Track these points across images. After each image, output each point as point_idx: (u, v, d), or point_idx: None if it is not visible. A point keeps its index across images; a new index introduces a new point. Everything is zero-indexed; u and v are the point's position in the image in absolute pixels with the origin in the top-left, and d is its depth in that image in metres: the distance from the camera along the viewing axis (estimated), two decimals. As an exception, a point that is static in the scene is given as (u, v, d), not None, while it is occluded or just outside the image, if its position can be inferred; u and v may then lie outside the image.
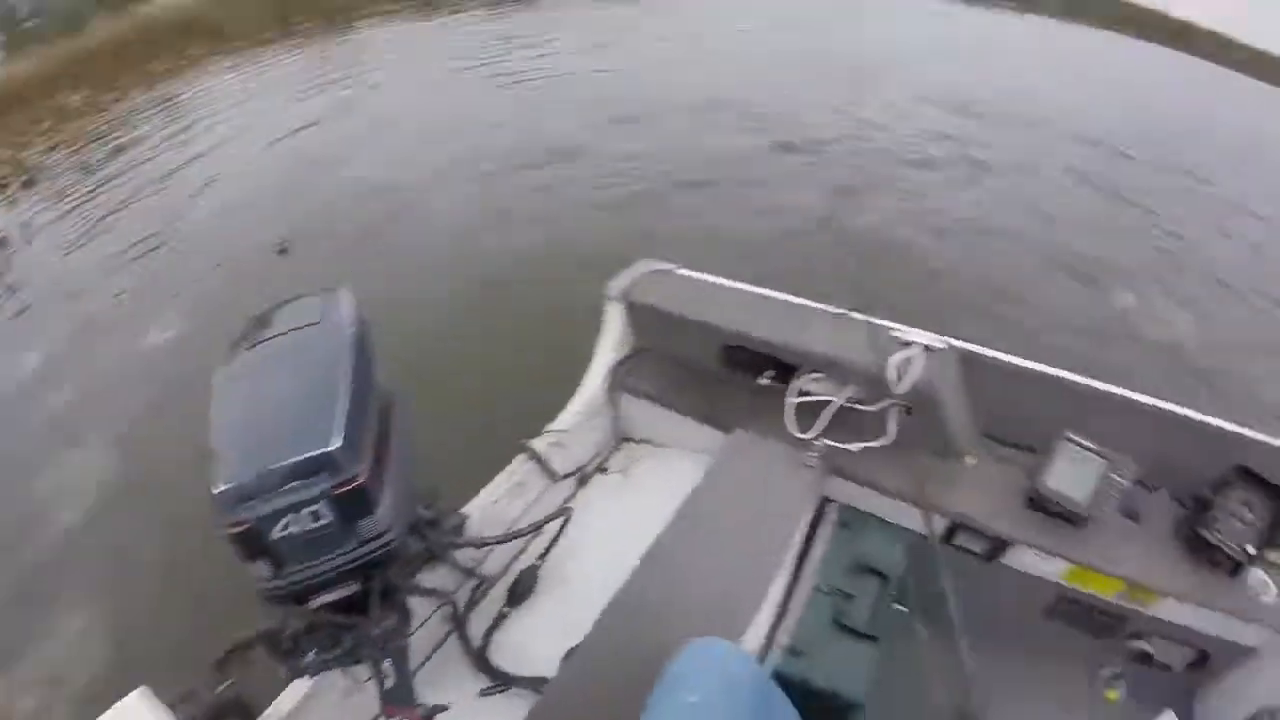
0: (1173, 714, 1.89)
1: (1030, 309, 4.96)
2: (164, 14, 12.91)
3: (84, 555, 3.41)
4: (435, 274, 5.22)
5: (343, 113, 8.41)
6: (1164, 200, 6.84)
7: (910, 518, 1.76)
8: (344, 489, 1.15)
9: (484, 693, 1.59)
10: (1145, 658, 1.96)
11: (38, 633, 3.06)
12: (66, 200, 7.10)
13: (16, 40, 12.69)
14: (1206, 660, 1.94)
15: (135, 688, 1.07)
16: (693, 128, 7.46)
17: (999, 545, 1.75)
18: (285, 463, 1.13)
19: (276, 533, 1.15)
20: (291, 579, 1.20)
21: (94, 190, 7.21)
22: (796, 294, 1.91)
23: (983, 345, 1.88)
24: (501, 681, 1.60)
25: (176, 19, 12.65)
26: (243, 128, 8.27)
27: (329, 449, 1.14)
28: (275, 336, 1.31)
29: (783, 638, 1.57)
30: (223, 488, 1.13)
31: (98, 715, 0.94)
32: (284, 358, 1.28)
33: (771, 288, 1.96)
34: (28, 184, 7.68)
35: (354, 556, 1.21)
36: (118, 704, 0.90)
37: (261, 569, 1.19)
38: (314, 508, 1.15)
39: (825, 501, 1.83)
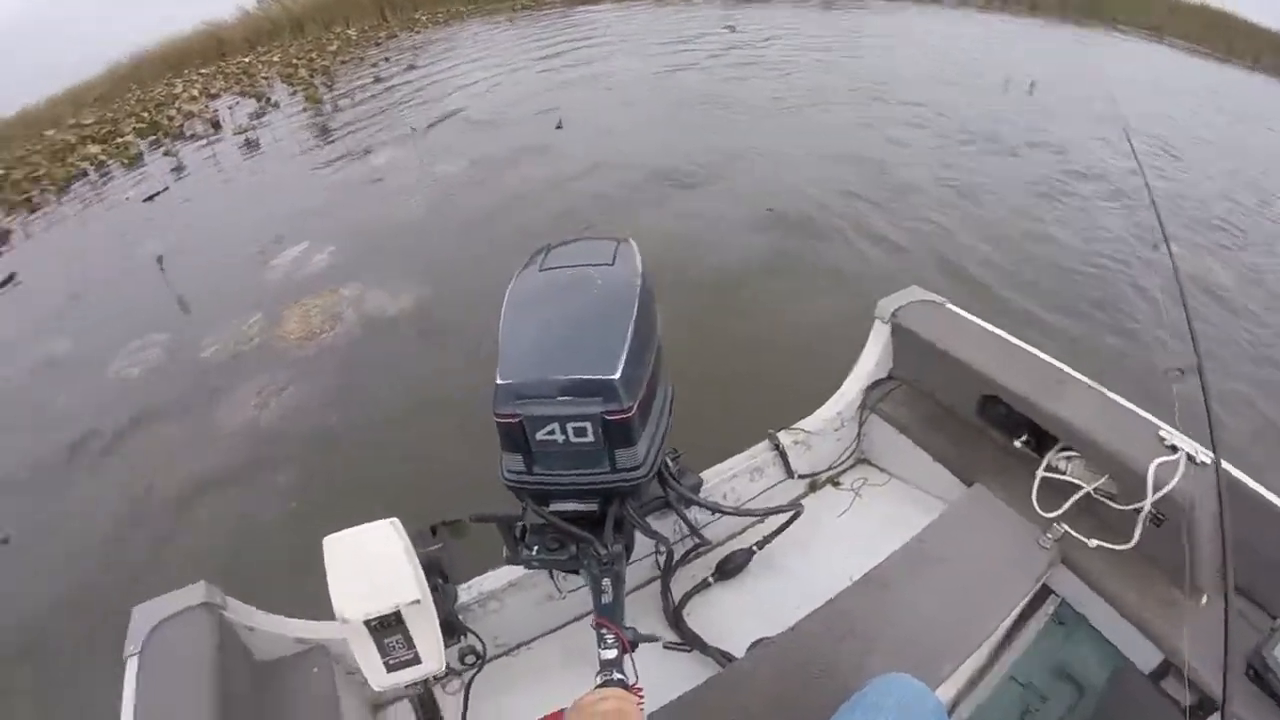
0: None
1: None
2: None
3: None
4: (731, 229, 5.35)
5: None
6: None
7: (1124, 638, 1.60)
8: (614, 417, 1.22)
9: (667, 646, 1.64)
10: None
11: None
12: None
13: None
14: None
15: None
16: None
17: (1205, 706, 1.52)
18: (568, 377, 1.23)
19: (541, 435, 1.26)
20: (540, 479, 1.31)
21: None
22: (1055, 352, 1.78)
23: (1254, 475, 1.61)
24: (687, 642, 1.64)
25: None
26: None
27: (611, 377, 1.22)
28: (570, 266, 1.43)
29: (964, 710, 1.52)
30: (505, 381, 1.25)
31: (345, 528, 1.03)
32: (577, 286, 1.39)
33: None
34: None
35: (603, 480, 1.30)
36: (370, 524, 1.02)
37: (515, 462, 1.31)
38: (582, 424, 1.24)
39: (1045, 589, 1.71)
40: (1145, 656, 1.60)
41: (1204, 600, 1.57)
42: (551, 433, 1.26)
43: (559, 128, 7.58)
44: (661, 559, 1.72)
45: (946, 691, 1.46)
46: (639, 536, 1.46)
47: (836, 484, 2.05)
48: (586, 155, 6.78)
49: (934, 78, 9.11)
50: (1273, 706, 1.47)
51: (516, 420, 1.26)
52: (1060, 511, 1.60)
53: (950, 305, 1.96)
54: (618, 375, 1.22)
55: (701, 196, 5.90)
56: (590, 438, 1.25)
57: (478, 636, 1.48)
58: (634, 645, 1.26)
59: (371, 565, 0.98)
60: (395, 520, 1.02)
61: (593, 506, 1.34)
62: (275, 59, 12.78)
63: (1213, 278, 4.99)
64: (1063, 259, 5.11)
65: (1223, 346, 4.27)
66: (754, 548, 1.79)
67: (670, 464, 1.48)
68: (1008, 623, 1.59)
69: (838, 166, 6.44)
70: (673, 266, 4.53)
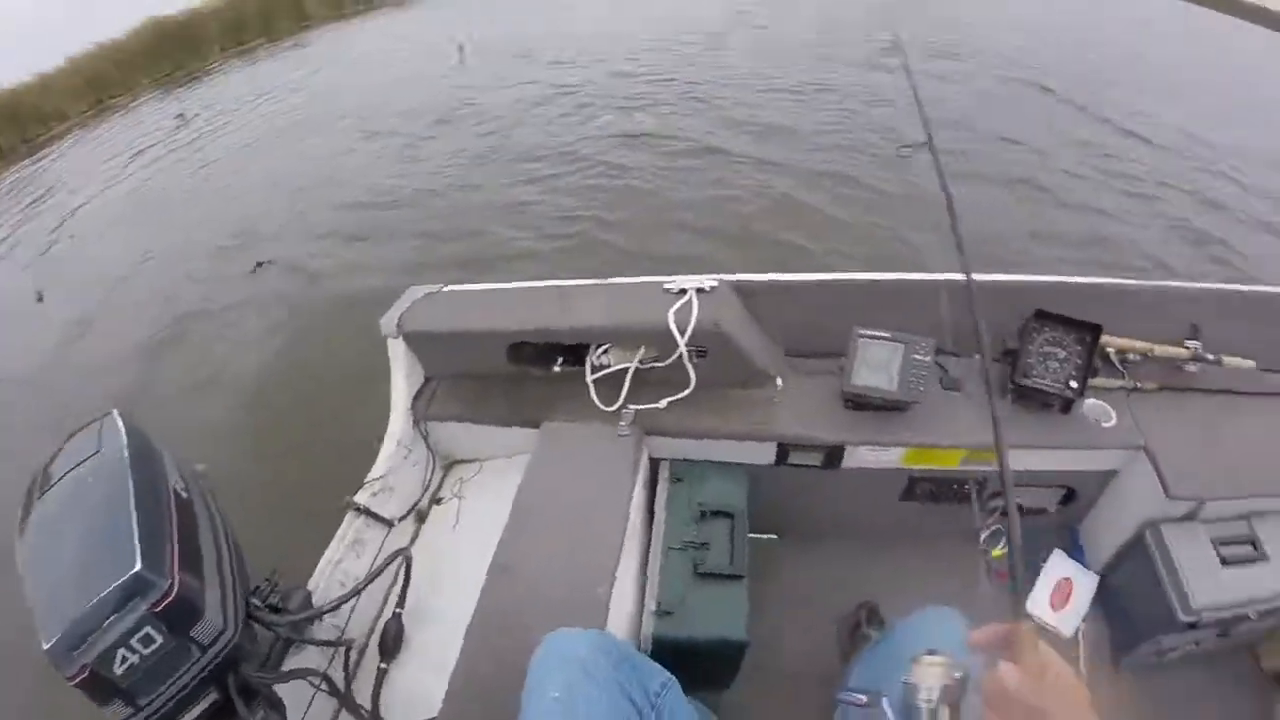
0: (1060, 551, 2.09)
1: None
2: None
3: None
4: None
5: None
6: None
7: (736, 452, 1.81)
8: (162, 604, 1.14)
9: None
10: (1017, 509, 2.03)
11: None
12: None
13: None
14: (1074, 495, 2.04)
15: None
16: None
17: (834, 452, 1.80)
18: (97, 598, 1.12)
19: (118, 668, 1.13)
20: (150, 709, 1.18)
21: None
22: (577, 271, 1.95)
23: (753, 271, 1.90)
24: None
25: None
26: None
27: (133, 570, 1.13)
28: (59, 481, 1.29)
29: (651, 604, 1.58)
30: (50, 643, 1.10)
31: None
32: (71, 498, 1.26)
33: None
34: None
35: (201, 666, 1.21)
36: None
37: (119, 709, 1.17)
38: (142, 633, 1.14)
39: (655, 463, 1.85)
40: (763, 454, 1.83)
41: (779, 382, 1.85)
42: (125, 660, 1.14)
43: (40, 300, 6.16)
44: (325, 685, 1.59)
45: (622, 606, 1.52)
46: (284, 688, 1.38)
47: (439, 501, 2.04)
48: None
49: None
50: (880, 416, 1.75)
51: (88, 672, 1.11)
52: (622, 398, 1.75)
53: (448, 288, 2.00)
54: (138, 565, 1.14)
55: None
56: (160, 639, 1.16)
57: None
58: None
59: None
60: None
61: (214, 697, 1.25)
62: None
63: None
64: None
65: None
66: (399, 610, 1.72)
67: (258, 603, 1.40)
68: (637, 512, 1.68)
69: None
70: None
